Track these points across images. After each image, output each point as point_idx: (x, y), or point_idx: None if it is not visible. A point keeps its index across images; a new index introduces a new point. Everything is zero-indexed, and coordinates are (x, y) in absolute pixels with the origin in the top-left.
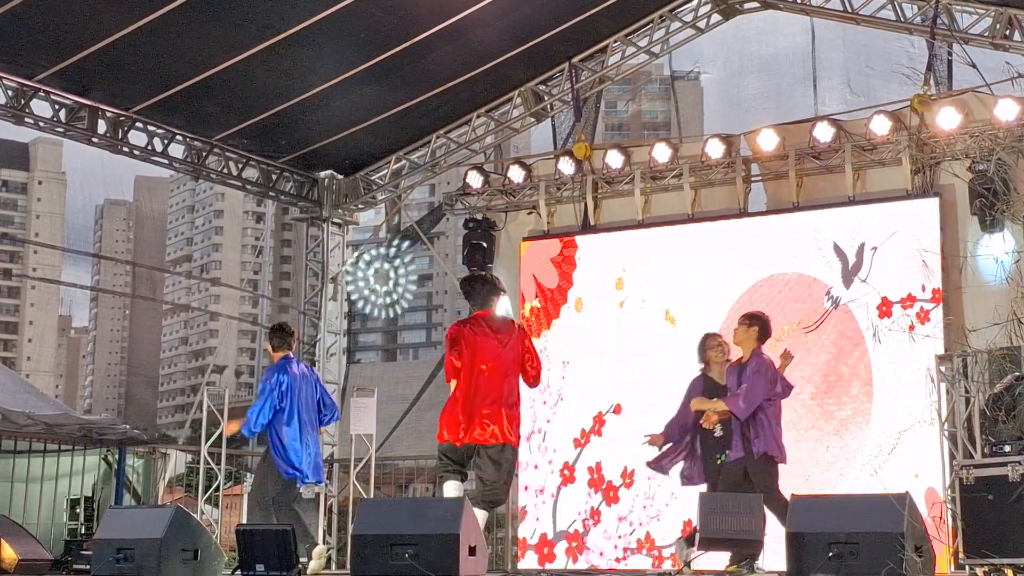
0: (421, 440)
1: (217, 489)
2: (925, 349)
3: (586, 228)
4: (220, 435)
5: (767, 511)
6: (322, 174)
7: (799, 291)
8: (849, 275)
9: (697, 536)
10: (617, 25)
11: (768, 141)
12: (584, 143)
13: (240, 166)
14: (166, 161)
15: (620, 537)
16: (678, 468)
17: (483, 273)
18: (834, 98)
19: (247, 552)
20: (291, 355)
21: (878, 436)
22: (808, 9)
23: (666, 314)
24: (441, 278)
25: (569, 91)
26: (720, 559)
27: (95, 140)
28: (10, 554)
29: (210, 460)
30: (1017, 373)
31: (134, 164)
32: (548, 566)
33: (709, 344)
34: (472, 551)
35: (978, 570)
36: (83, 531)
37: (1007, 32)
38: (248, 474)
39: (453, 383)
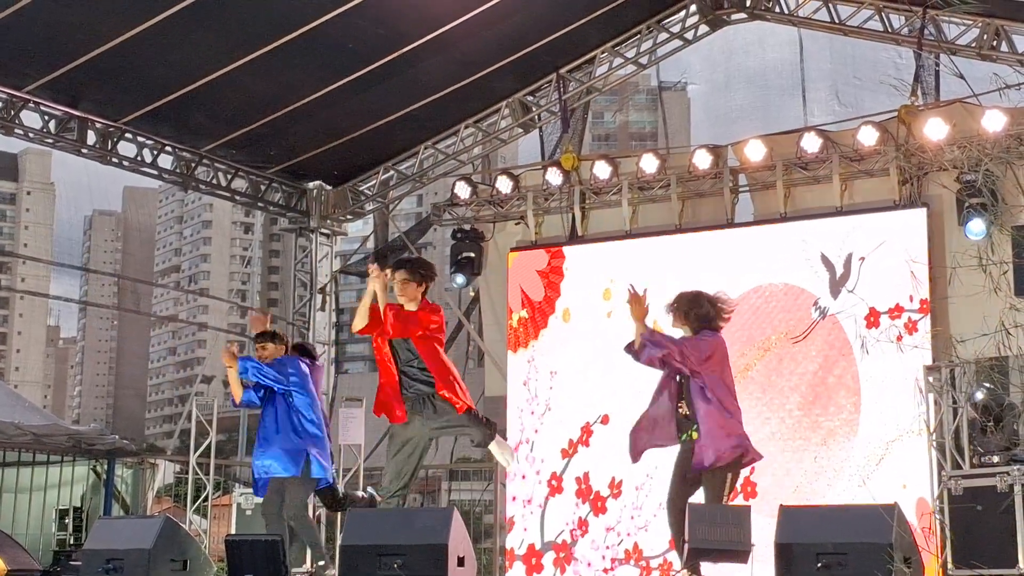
0: None
1: (206, 499)
2: (913, 359)
3: (574, 239)
4: (209, 445)
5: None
6: (310, 185)
7: (787, 302)
8: (836, 285)
9: (686, 547)
10: (605, 36)
11: (756, 152)
12: (571, 154)
13: (229, 177)
14: (155, 172)
15: (608, 547)
16: None
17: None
18: (821, 109)
19: (236, 562)
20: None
21: (866, 446)
22: (796, 20)
23: (654, 325)
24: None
25: (557, 102)
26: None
27: (84, 151)
28: None
29: (199, 470)
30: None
31: (122, 175)
32: None
33: None
34: (460, 561)
35: None
36: (72, 542)
37: (994, 43)
38: (236, 484)
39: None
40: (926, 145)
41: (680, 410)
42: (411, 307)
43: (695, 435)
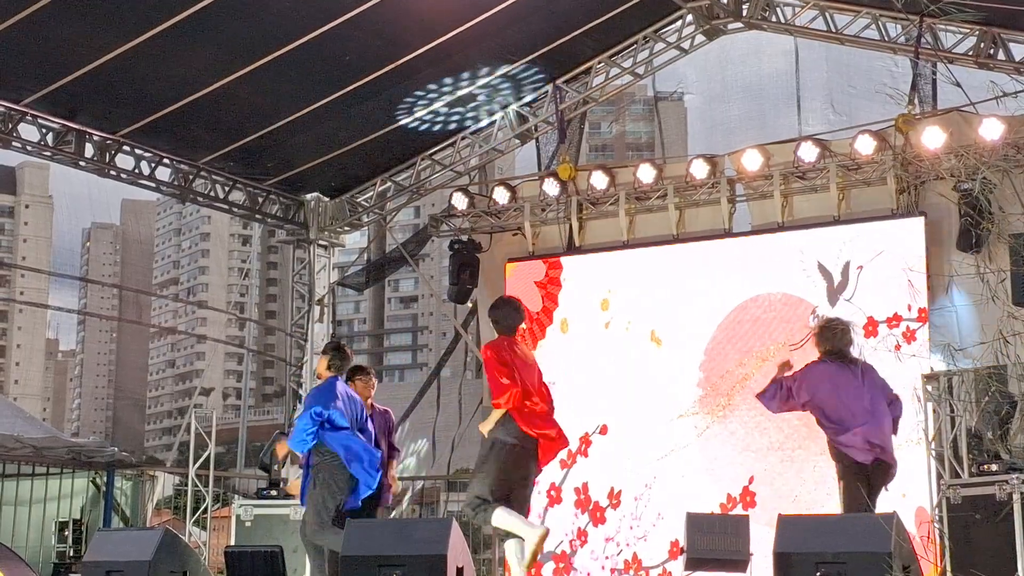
0: (406, 462)
1: (205, 511)
2: (911, 368)
3: (571, 249)
4: (208, 457)
5: None
6: (308, 196)
7: (785, 311)
8: (834, 293)
9: (685, 556)
10: (601, 46)
11: (752, 161)
12: (568, 164)
13: (226, 189)
14: (153, 184)
15: (607, 558)
16: None
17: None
18: (817, 119)
19: (236, 574)
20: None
21: None
22: (792, 29)
23: (651, 335)
24: (427, 300)
25: (553, 112)
26: None
27: (82, 164)
28: None
29: (198, 482)
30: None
31: (121, 188)
32: None
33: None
34: (460, 572)
35: None
36: (72, 554)
37: (991, 51)
38: (236, 496)
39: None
40: (923, 154)
41: None
42: None
43: None
